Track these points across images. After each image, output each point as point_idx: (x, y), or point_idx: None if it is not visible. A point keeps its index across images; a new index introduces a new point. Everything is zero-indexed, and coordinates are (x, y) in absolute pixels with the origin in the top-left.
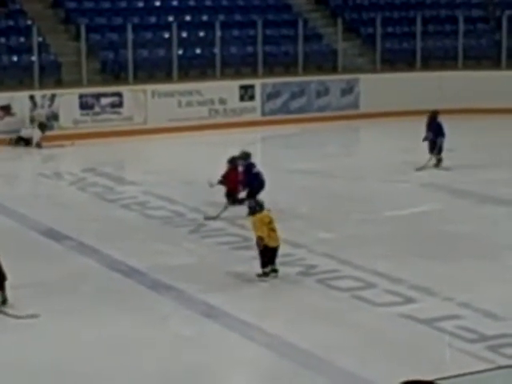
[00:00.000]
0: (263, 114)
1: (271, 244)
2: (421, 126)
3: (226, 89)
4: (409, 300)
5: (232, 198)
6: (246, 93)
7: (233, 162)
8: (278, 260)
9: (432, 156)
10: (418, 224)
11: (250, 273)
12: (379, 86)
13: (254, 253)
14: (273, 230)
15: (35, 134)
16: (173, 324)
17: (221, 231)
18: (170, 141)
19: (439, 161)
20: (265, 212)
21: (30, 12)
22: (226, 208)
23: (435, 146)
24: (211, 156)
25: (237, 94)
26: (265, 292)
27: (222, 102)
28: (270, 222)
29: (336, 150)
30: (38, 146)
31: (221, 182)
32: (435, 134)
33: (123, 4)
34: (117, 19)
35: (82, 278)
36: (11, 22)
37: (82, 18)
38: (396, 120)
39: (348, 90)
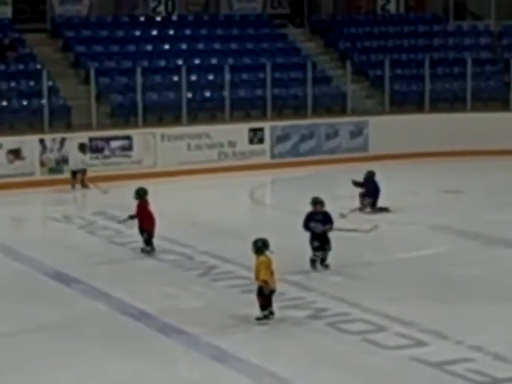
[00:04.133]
0: (273, 156)
1: (271, 286)
2: (431, 168)
3: (236, 132)
4: (419, 343)
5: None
6: (256, 135)
7: (140, 194)
8: (289, 303)
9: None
10: (427, 266)
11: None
12: (388, 128)
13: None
14: (272, 272)
15: (78, 157)
16: (182, 367)
17: (230, 274)
18: (180, 184)
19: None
20: (267, 253)
21: (39, 56)
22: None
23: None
24: (221, 199)
25: (246, 136)
26: (275, 335)
27: (232, 144)
28: (271, 264)
29: (346, 193)
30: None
31: (131, 217)
32: (365, 193)
33: (132, 48)
34: (126, 63)
35: (90, 321)
36: (21, 66)
37: (91, 61)
38: (405, 162)
39: (357, 132)
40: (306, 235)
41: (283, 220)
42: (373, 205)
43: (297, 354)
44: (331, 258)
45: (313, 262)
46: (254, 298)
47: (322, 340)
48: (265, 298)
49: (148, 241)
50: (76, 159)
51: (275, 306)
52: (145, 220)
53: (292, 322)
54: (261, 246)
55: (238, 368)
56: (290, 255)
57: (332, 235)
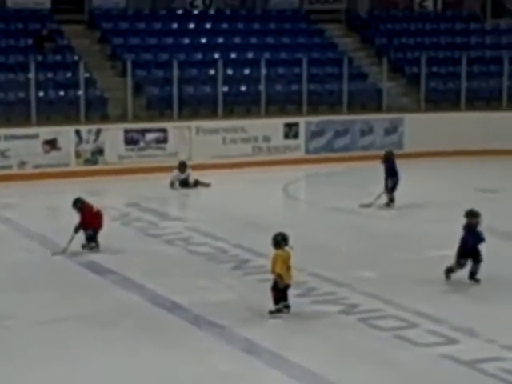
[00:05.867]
0: (307, 152)
1: (286, 281)
2: (466, 166)
3: (271, 126)
4: (451, 341)
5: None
6: (290, 131)
7: (78, 205)
8: (320, 298)
9: (382, 194)
10: None
11: (292, 310)
12: (423, 126)
13: (296, 290)
14: (288, 267)
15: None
16: (213, 360)
17: (262, 268)
18: (214, 177)
19: (390, 200)
20: (287, 248)
21: (77, 47)
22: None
23: (386, 186)
24: (254, 193)
25: (281, 131)
26: (305, 330)
27: (266, 139)
28: (289, 259)
29: (379, 189)
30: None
31: (77, 230)
32: (386, 175)
33: (169, 40)
34: (163, 55)
35: (123, 312)
36: (59, 57)
37: (128, 53)
38: (440, 160)
39: (392, 129)
40: (337, 228)
41: (316, 215)
42: (393, 187)
43: (328, 350)
44: (366, 254)
45: (450, 271)
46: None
47: (353, 336)
48: (279, 292)
49: (92, 237)
50: (178, 178)
51: (307, 300)
52: (90, 219)
53: (323, 317)
54: (279, 240)
55: (269, 361)
56: (322, 250)
57: (372, 230)
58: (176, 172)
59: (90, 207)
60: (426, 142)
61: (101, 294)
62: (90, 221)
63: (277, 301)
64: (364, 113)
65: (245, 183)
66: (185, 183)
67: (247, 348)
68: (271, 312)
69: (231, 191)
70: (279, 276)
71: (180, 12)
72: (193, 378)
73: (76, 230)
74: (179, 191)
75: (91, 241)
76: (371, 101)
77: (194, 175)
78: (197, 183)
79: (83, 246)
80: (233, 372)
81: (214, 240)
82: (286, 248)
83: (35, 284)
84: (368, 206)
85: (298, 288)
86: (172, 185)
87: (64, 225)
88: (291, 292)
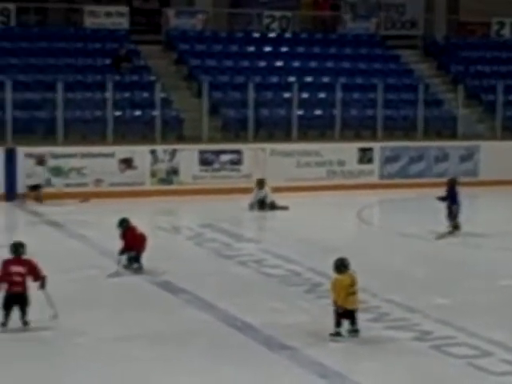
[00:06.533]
0: (381, 177)
1: (349, 306)
2: None
3: (345, 151)
4: None
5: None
6: (365, 155)
7: (124, 225)
8: (393, 324)
9: (451, 222)
10: None
11: (364, 334)
12: (499, 154)
13: (369, 315)
14: (353, 293)
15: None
16: (284, 382)
17: None
18: (288, 200)
19: (455, 227)
20: (348, 273)
21: (154, 68)
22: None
23: (450, 213)
24: (328, 217)
25: (355, 156)
26: (378, 355)
27: (341, 163)
28: (352, 284)
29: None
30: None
31: (122, 252)
32: (450, 201)
33: (246, 63)
34: (239, 78)
35: (195, 331)
36: (135, 78)
37: (204, 75)
38: None
39: (467, 156)
40: (409, 255)
41: (389, 240)
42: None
43: (399, 375)
44: (438, 281)
45: None
46: (359, 317)
47: (425, 362)
48: (339, 315)
49: (135, 258)
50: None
51: (379, 325)
52: (133, 242)
53: (395, 342)
54: (339, 265)
55: None
56: (395, 276)
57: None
58: (255, 190)
59: (133, 229)
60: (501, 170)
61: (172, 313)
62: (132, 243)
63: (337, 324)
64: (439, 139)
65: (319, 207)
66: (262, 204)
67: (318, 371)
68: (331, 334)
69: (305, 214)
70: (334, 301)
71: (256, 35)
72: None
73: (121, 252)
74: (255, 213)
75: (135, 261)
76: (446, 128)
77: (271, 196)
78: (274, 206)
79: (125, 267)
80: None
81: (287, 262)
82: (348, 273)
83: (107, 301)
84: (443, 236)
85: (371, 313)
86: (251, 207)
87: None
88: (363, 317)
